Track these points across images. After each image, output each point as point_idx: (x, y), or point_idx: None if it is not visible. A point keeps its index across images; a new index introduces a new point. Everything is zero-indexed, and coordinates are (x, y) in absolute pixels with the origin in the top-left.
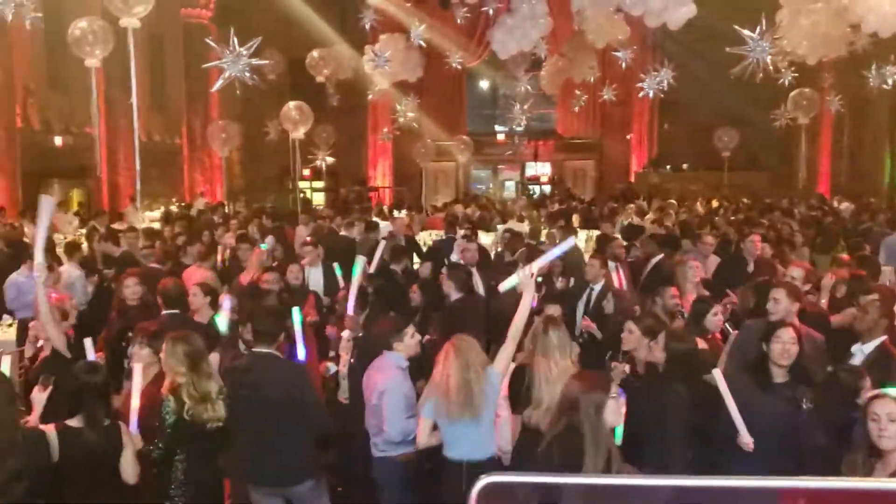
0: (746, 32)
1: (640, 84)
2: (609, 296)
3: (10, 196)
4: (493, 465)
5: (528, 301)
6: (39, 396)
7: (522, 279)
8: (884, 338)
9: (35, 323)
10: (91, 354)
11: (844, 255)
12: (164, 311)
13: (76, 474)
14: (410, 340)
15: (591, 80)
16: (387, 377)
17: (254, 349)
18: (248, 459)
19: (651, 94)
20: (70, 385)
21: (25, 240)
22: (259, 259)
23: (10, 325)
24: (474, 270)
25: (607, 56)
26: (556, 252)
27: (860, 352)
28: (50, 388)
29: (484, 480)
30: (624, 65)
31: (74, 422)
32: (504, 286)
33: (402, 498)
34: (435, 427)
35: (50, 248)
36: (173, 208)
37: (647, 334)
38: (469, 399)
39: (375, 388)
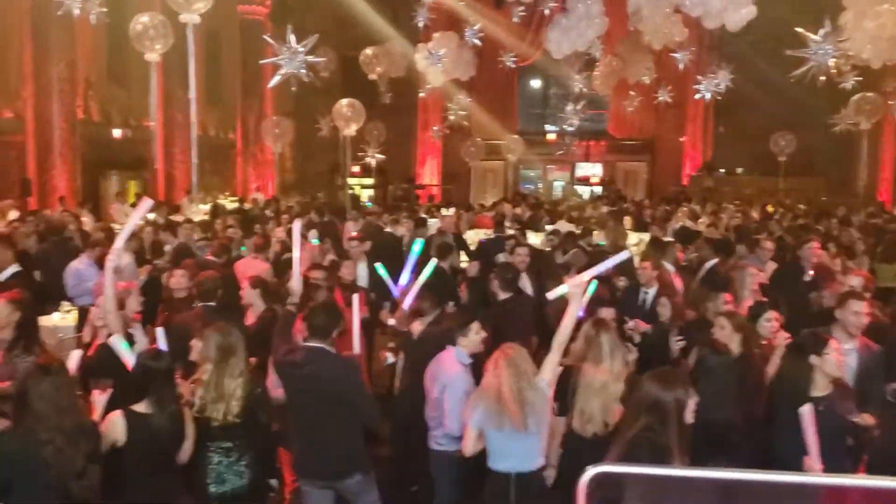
0: (809, 35)
1: (696, 86)
2: (664, 300)
3: (70, 186)
4: (540, 476)
5: (574, 310)
6: (100, 398)
7: (572, 288)
8: None
9: (94, 309)
10: (162, 343)
11: None
12: (198, 304)
13: (141, 458)
14: (475, 336)
15: (648, 81)
16: (450, 372)
17: (307, 343)
18: (300, 452)
19: (708, 97)
20: (137, 372)
21: (85, 229)
22: (311, 254)
23: (69, 312)
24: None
25: (662, 57)
26: (609, 263)
27: None
28: (110, 389)
29: (593, 471)
30: (683, 66)
31: (141, 407)
32: (553, 294)
33: (453, 494)
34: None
35: (109, 237)
36: (223, 202)
37: (739, 330)
38: (523, 409)
39: (437, 382)
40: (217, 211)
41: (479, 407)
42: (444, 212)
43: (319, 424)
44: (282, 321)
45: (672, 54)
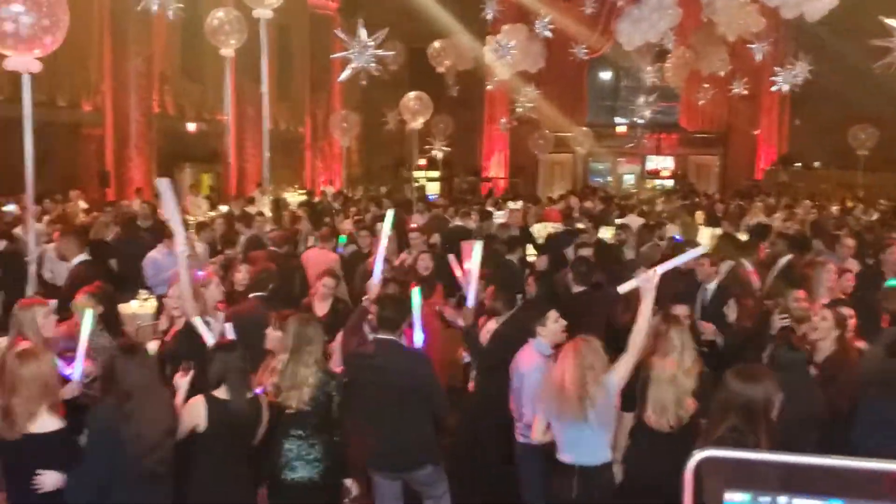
0: (894, 23)
1: (773, 78)
2: (731, 303)
3: (146, 178)
4: (607, 471)
5: (648, 306)
6: (182, 381)
7: (643, 283)
8: None
9: (169, 297)
10: (231, 334)
11: None
12: (251, 294)
13: (220, 442)
14: (554, 325)
15: (723, 73)
16: (527, 364)
17: (378, 335)
18: (372, 443)
19: (785, 89)
20: (213, 364)
21: (162, 219)
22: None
23: (147, 300)
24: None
25: (736, 47)
26: (683, 258)
27: None
28: (192, 372)
29: (699, 455)
30: (760, 57)
31: (221, 392)
32: (624, 288)
33: (538, 485)
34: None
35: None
36: (288, 195)
37: (839, 326)
38: (581, 401)
39: (517, 373)
40: (279, 205)
41: (544, 397)
42: (510, 205)
43: (390, 416)
44: (355, 315)
45: (748, 45)
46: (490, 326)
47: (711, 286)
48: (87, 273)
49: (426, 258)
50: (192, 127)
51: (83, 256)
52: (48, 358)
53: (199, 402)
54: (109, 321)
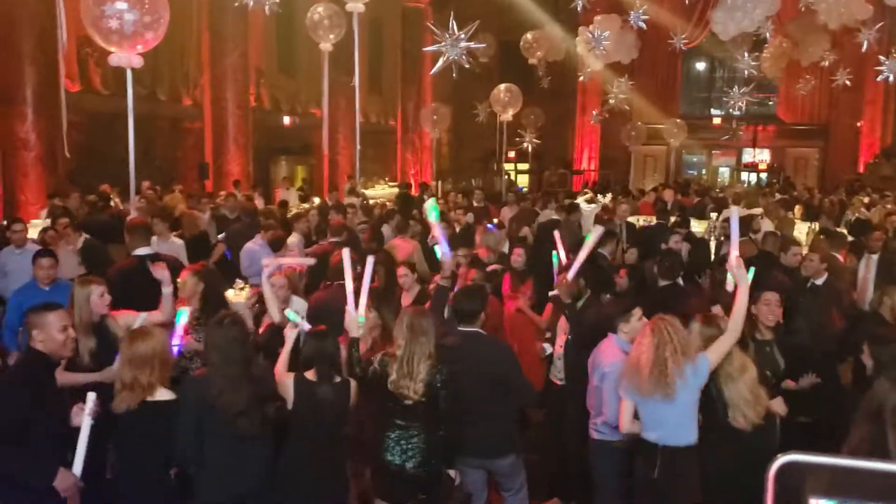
0: None
1: (878, 68)
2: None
3: (243, 170)
4: (691, 453)
5: (744, 293)
6: (291, 333)
7: (735, 270)
8: None
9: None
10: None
11: None
12: (333, 283)
13: (306, 422)
14: (637, 322)
15: (826, 63)
16: (609, 360)
17: (460, 328)
18: (457, 433)
19: (891, 79)
20: (305, 348)
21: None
22: (484, 238)
23: (242, 289)
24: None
25: (837, 37)
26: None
27: None
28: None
29: (783, 459)
30: (865, 46)
31: (310, 374)
32: (731, 286)
33: (614, 484)
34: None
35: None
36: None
37: None
38: (662, 377)
39: (598, 369)
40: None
41: (625, 377)
42: (600, 198)
43: (475, 405)
44: (434, 298)
45: (851, 34)
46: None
47: (820, 281)
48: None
49: (520, 251)
50: (286, 120)
51: (147, 250)
52: (163, 336)
53: (289, 379)
54: (213, 299)
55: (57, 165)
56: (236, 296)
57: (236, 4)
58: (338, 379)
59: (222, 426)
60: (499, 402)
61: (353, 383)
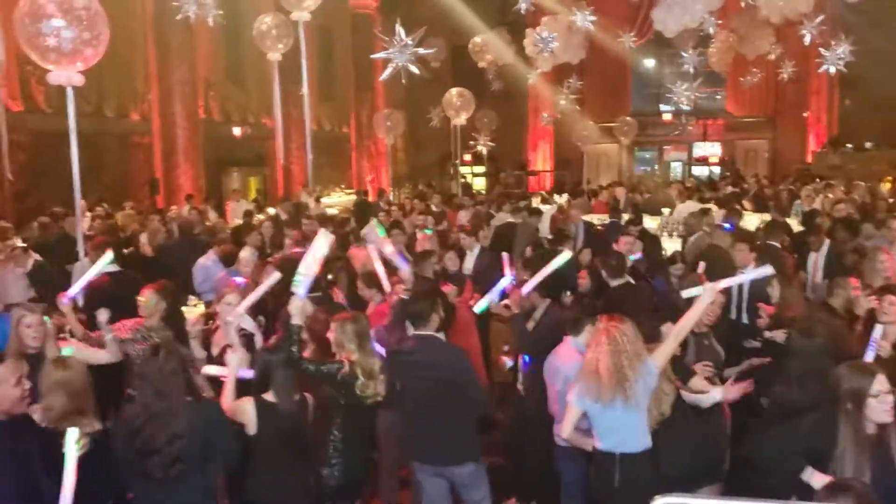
0: None
1: (819, 60)
2: (774, 282)
3: (195, 184)
4: (648, 458)
5: (701, 307)
6: (233, 358)
7: (707, 291)
8: None
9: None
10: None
11: None
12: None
13: (271, 445)
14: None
15: (773, 56)
16: (571, 362)
17: (415, 332)
18: (414, 438)
19: (833, 70)
20: (258, 366)
21: (208, 223)
22: (423, 245)
23: (196, 305)
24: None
25: (781, 30)
26: (749, 276)
27: None
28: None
29: (660, 501)
30: (808, 39)
31: (269, 396)
32: (687, 293)
33: (584, 488)
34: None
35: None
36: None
37: None
38: (622, 382)
39: (559, 374)
40: (299, 209)
41: (578, 383)
42: (556, 199)
43: (431, 411)
44: (395, 311)
45: (798, 26)
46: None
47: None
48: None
49: (452, 256)
50: (237, 131)
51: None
52: (79, 369)
53: (248, 404)
54: (172, 317)
55: (1, 187)
56: (189, 312)
57: (178, 17)
58: (297, 396)
59: (141, 464)
60: (455, 407)
61: (311, 398)
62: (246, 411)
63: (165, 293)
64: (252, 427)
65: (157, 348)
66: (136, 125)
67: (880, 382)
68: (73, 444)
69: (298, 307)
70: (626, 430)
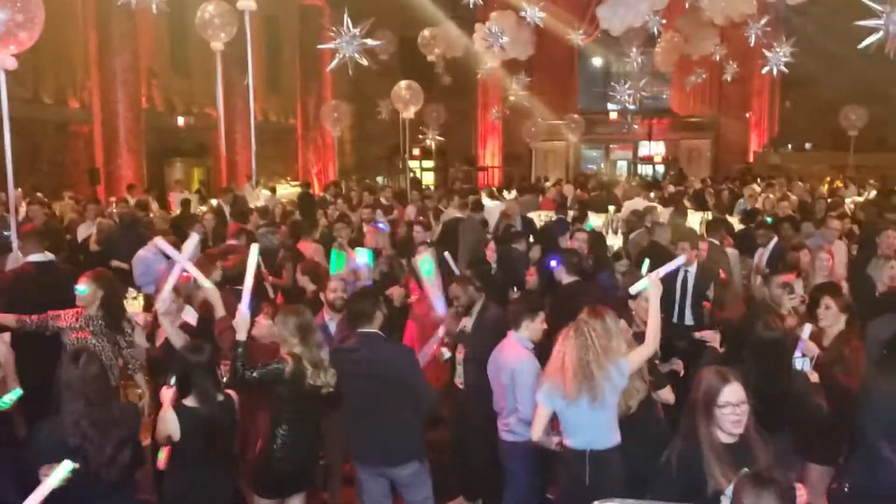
0: (875, 5)
1: (762, 61)
2: (712, 286)
3: (136, 174)
4: (617, 453)
5: (656, 303)
6: (167, 393)
7: (651, 283)
8: None
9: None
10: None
11: None
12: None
13: (196, 449)
14: (540, 325)
15: (717, 57)
16: (517, 356)
17: (360, 330)
18: (356, 437)
19: (775, 71)
20: (178, 365)
21: (151, 215)
22: (375, 238)
23: (136, 298)
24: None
25: (725, 31)
26: (677, 262)
27: None
28: (174, 388)
29: None
30: (753, 40)
31: (189, 401)
32: (634, 289)
33: (530, 484)
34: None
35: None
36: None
37: (846, 311)
38: (589, 380)
39: (505, 368)
40: (237, 201)
41: (546, 382)
42: (506, 195)
43: (373, 410)
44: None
45: (743, 27)
46: (465, 322)
47: (692, 269)
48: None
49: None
50: (181, 121)
51: (41, 257)
52: None
53: (169, 413)
54: (112, 306)
55: None
56: (130, 305)
57: (119, 3)
58: (221, 397)
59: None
60: (399, 406)
61: (235, 397)
62: (168, 420)
63: (101, 282)
64: (176, 434)
65: (77, 354)
66: (75, 113)
67: (731, 393)
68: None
69: (242, 323)
70: (595, 427)
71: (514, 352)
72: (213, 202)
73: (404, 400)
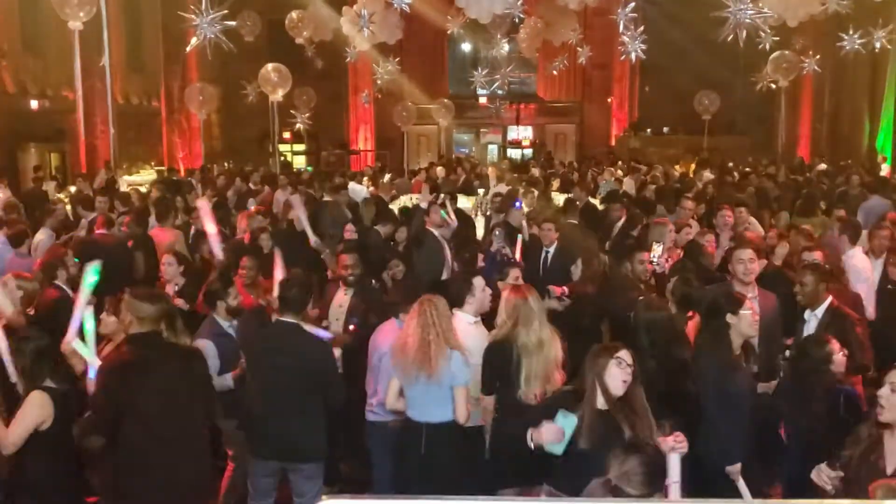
0: None
1: (620, 47)
2: (578, 262)
3: None
4: (452, 429)
5: None
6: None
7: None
8: (830, 299)
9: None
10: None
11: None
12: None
13: (64, 436)
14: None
15: (574, 42)
16: (389, 340)
17: (280, 318)
18: (258, 430)
19: (633, 58)
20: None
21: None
22: (250, 222)
23: None
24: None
25: (587, 19)
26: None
27: (813, 317)
28: None
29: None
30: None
31: (51, 382)
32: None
33: (390, 463)
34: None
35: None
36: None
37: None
38: (426, 359)
39: (377, 350)
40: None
41: (392, 357)
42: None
43: (280, 402)
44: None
45: (605, 15)
46: (339, 298)
47: (552, 248)
48: None
49: (265, 237)
50: (35, 104)
51: None
52: None
53: (42, 397)
54: None
55: None
56: None
57: None
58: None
59: None
60: (306, 399)
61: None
62: (43, 405)
63: None
64: (49, 420)
65: None
66: None
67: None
68: None
69: (72, 354)
70: (431, 401)
71: (386, 335)
72: (72, 188)
73: (316, 395)
